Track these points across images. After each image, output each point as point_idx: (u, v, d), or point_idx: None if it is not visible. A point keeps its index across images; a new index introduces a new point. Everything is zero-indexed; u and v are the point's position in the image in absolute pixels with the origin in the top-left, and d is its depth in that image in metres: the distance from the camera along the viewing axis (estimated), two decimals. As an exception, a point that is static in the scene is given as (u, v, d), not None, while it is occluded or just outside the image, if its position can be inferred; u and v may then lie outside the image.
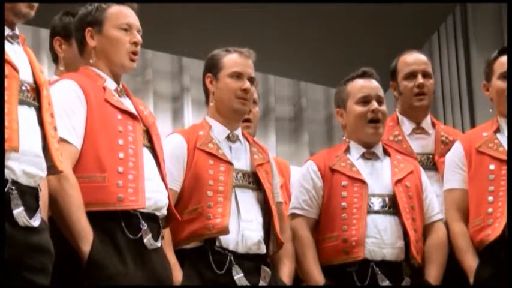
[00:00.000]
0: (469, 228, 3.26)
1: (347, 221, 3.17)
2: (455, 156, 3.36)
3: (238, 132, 3.17)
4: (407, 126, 3.65)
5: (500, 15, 6.21)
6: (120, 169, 2.62)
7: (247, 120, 3.48)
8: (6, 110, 2.18)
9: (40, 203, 2.33)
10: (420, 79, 3.61)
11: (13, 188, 2.22)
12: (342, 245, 3.15)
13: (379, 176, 3.27)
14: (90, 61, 2.80)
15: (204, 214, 2.93)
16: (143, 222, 2.65)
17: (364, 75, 3.35)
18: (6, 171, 2.20)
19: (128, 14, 2.82)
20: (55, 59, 3.20)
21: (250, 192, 3.08)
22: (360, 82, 3.34)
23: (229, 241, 2.95)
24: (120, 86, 2.82)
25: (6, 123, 2.17)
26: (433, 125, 3.68)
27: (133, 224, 2.63)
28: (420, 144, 3.61)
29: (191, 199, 2.97)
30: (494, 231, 3.14)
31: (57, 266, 2.42)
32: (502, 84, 3.32)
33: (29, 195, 2.28)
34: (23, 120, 2.25)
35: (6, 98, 2.20)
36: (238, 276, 2.93)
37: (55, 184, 2.52)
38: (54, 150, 2.36)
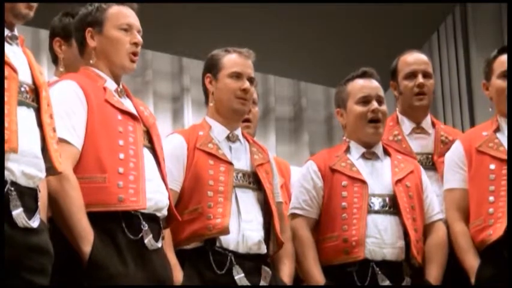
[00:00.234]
0: (469, 228, 3.26)
1: (347, 221, 3.17)
2: (455, 156, 3.35)
3: (238, 132, 3.17)
4: (407, 125, 3.65)
5: (500, 15, 6.21)
6: (121, 170, 2.62)
7: (247, 120, 3.48)
8: (5, 111, 2.18)
9: (39, 203, 2.33)
10: (420, 79, 3.61)
11: (12, 189, 2.22)
12: (343, 245, 3.15)
13: (380, 176, 3.27)
14: (91, 61, 2.79)
15: (204, 214, 2.93)
16: (144, 222, 2.65)
17: (364, 75, 3.36)
18: (5, 172, 2.20)
19: (128, 14, 2.82)
20: (55, 60, 3.19)
21: (250, 192, 3.08)
22: (360, 82, 3.34)
23: (229, 241, 2.95)
24: (121, 86, 2.82)
25: (5, 125, 2.17)
26: (433, 124, 3.68)
27: (134, 225, 2.63)
28: (420, 144, 3.61)
29: (191, 199, 2.97)
30: (496, 231, 3.14)
31: (57, 267, 2.43)
32: (502, 83, 3.31)
33: (28, 196, 2.28)
34: (22, 122, 2.25)
35: (5, 99, 2.19)
36: (239, 277, 2.93)
37: (56, 185, 2.52)
38: (53, 151, 2.35)
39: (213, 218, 2.92)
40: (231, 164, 3.03)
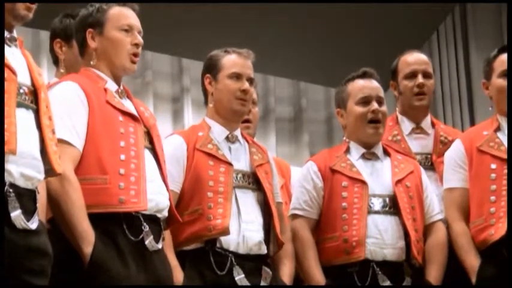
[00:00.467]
0: (470, 227, 3.26)
1: (348, 221, 3.17)
2: (455, 155, 3.35)
3: (238, 132, 3.17)
4: (406, 126, 3.65)
5: (499, 15, 6.21)
6: (122, 171, 2.62)
7: (247, 121, 3.48)
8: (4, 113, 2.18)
9: (38, 205, 2.32)
10: (420, 79, 3.61)
11: (11, 190, 2.22)
12: (343, 246, 3.15)
13: (380, 176, 3.27)
14: (91, 62, 2.79)
15: (204, 215, 2.93)
16: (145, 224, 2.65)
17: (364, 75, 3.35)
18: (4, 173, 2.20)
19: (129, 15, 2.81)
20: (55, 61, 3.19)
21: (250, 192, 3.08)
22: (360, 82, 3.34)
23: (230, 242, 2.95)
24: (121, 87, 2.82)
25: (4, 126, 2.17)
26: (433, 125, 3.68)
27: (134, 226, 2.63)
28: (419, 144, 3.61)
29: (191, 200, 2.97)
30: (498, 230, 3.14)
31: (59, 268, 2.43)
32: (503, 83, 3.31)
33: (27, 198, 2.28)
34: (21, 123, 2.24)
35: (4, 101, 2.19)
36: (239, 277, 2.93)
37: (57, 186, 2.52)
38: (52, 153, 2.35)
39: (213, 218, 2.92)
40: (230, 164, 3.03)
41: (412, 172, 3.32)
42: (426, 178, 3.38)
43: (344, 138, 3.38)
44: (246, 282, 2.93)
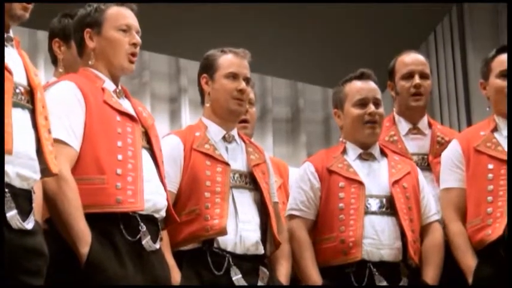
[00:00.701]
0: (466, 227, 3.26)
1: (344, 222, 3.17)
2: (452, 155, 3.35)
3: (234, 132, 3.17)
4: (403, 126, 3.65)
5: (496, 16, 6.21)
6: (119, 171, 2.61)
7: (245, 121, 3.49)
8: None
9: (34, 205, 2.32)
10: (417, 79, 3.61)
11: (6, 190, 2.21)
12: (340, 246, 3.15)
13: (377, 177, 3.27)
14: (89, 62, 2.79)
15: (201, 215, 2.93)
16: (142, 224, 2.64)
17: (362, 76, 3.35)
18: None
19: (127, 15, 2.81)
20: (54, 61, 3.19)
21: (247, 192, 3.08)
22: (357, 84, 3.33)
23: (227, 242, 2.95)
24: (119, 87, 2.81)
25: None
26: (430, 125, 3.68)
27: (132, 226, 2.63)
28: (416, 145, 3.61)
29: (189, 200, 2.97)
30: (495, 231, 3.14)
31: (56, 268, 2.43)
32: (501, 83, 3.32)
33: (23, 198, 2.28)
34: (17, 123, 2.24)
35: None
36: (237, 277, 2.93)
37: (54, 186, 2.52)
38: (48, 153, 2.35)
39: (211, 219, 2.92)
40: (227, 164, 3.03)
41: (409, 173, 3.32)
42: (423, 179, 3.38)
43: (341, 138, 3.38)
44: (243, 283, 2.93)
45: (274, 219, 3.08)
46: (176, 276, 2.86)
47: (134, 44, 2.79)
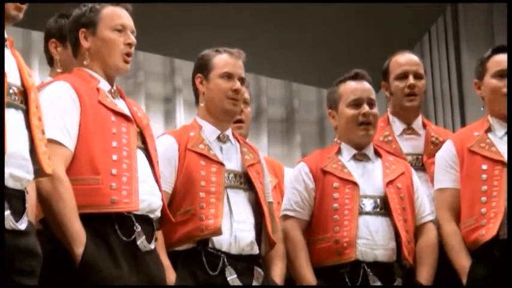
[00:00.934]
0: (460, 228, 3.27)
1: (339, 222, 3.17)
2: (446, 156, 3.36)
3: (229, 132, 3.17)
4: (397, 126, 3.65)
5: (490, 16, 6.22)
6: (114, 171, 2.61)
7: (240, 121, 3.49)
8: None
9: (27, 206, 2.32)
10: (411, 80, 3.61)
11: None
12: (334, 246, 3.16)
13: (371, 178, 3.28)
14: (84, 62, 2.78)
15: (196, 215, 2.93)
16: (137, 224, 2.64)
17: (356, 76, 3.36)
18: None
19: (122, 15, 2.81)
20: (50, 61, 3.19)
21: (241, 192, 3.08)
22: (351, 84, 3.34)
23: (222, 242, 2.95)
24: (114, 87, 2.81)
25: None
26: (424, 125, 3.69)
27: (126, 226, 2.63)
28: (410, 145, 3.62)
29: (183, 201, 2.97)
30: (489, 231, 3.15)
31: (50, 268, 2.43)
32: (496, 83, 3.32)
33: (16, 199, 2.27)
34: (10, 123, 2.24)
35: None
36: (232, 278, 2.93)
37: (48, 186, 2.51)
38: (41, 154, 2.35)
39: (206, 219, 2.92)
40: (222, 164, 3.03)
41: (403, 173, 3.33)
42: (417, 179, 3.39)
43: (335, 139, 3.39)
44: (238, 283, 2.93)
45: (269, 219, 3.08)
46: (171, 276, 2.86)
47: (129, 44, 2.79)
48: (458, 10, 6.36)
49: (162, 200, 2.78)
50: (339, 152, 3.33)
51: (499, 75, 3.33)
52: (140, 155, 2.74)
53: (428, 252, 3.27)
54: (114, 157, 2.63)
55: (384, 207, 3.22)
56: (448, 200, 3.32)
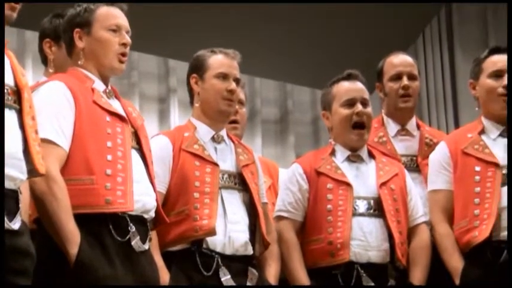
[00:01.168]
0: (454, 229, 3.28)
1: (332, 224, 3.17)
2: (440, 157, 3.37)
3: (223, 133, 3.17)
4: (392, 127, 3.66)
5: (484, 17, 6.24)
6: (109, 171, 2.61)
7: (235, 122, 3.49)
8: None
9: (20, 205, 2.31)
10: (405, 81, 3.62)
11: None
12: (328, 248, 3.16)
13: (364, 179, 3.28)
14: (79, 62, 2.78)
15: (191, 216, 2.93)
16: (131, 224, 2.64)
17: (349, 77, 3.36)
18: None
19: (117, 15, 2.80)
20: (44, 61, 3.19)
21: (236, 193, 3.08)
22: (345, 85, 3.34)
23: (216, 243, 2.95)
24: (109, 87, 2.81)
25: None
26: (418, 126, 3.69)
27: (121, 227, 2.62)
28: (404, 146, 3.62)
29: (178, 201, 2.97)
30: (482, 233, 3.15)
31: (45, 268, 2.43)
32: (492, 83, 3.33)
33: (9, 198, 2.26)
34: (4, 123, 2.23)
35: None
36: (226, 278, 2.93)
37: (43, 186, 2.51)
38: (35, 153, 2.34)
39: (200, 219, 2.92)
40: (216, 165, 3.03)
41: (397, 175, 3.33)
42: (410, 181, 3.39)
43: (330, 140, 3.39)
44: (232, 283, 2.93)
45: (263, 220, 3.08)
46: (165, 276, 2.85)
47: (124, 44, 2.78)
48: (453, 11, 6.37)
49: (157, 200, 2.78)
50: (332, 153, 3.33)
51: (495, 75, 3.34)
52: (135, 156, 2.73)
53: (421, 253, 3.28)
54: (109, 157, 2.63)
55: (377, 209, 3.23)
56: (441, 202, 3.33)
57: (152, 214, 2.76)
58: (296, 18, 5.95)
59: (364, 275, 3.14)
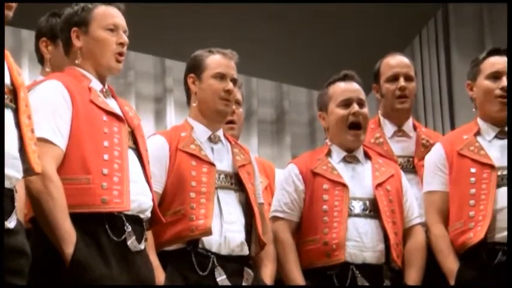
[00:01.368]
0: (449, 231, 3.28)
1: (328, 224, 3.17)
2: (436, 158, 3.37)
3: (220, 133, 3.17)
4: (388, 128, 3.66)
5: (481, 19, 6.25)
6: (105, 171, 2.60)
7: (232, 122, 3.49)
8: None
9: (16, 204, 2.31)
10: (402, 82, 3.62)
11: None
12: (323, 248, 3.16)
13: (360, 180, 3.28)
14: (76, 62, 2.78)
15: (187, 215, 2.93)
16: (127, 224, 2.64)
17: (345, 78, 3.37)
18: None
19: (115, 15, 2.80)
20: (40, 60, 3.18)
21: (232, 193, 3.08)
22: (341, 85, 3.35)
23: (212, 243, 2.95)
24: (106, 87, 2.80)
25: None
26: (415, 127, 3.70)
27: (117, 226, 2.62)
28: (401, 147, 3.63)
29: (174, 201, 2.96)
30: (477, 234, 3.16)
31: (40, 268, 2.43)
32: (490, 84, 3.33)
33: (5, 197, 2.25)
34: None
35: None
36: (221, 278, 2.93)
37: (39, 185, 2.50)
38: (31, 152, 2.34)
39: (196, 219, 2.92)
40: (213, 165, 3.03)
41: (393, 176, 3.34)
42: (406, 182, 3.40)
43: (326, 140, 3.39)
44: (227, 284, 2.93)
45: (259, 220, 3.08)
46: (160, 276, 2.85)
47: (121, 44, 2.78)
48: (449, 14, 6.38)
49: (153, 200, 2.78)
50: (329, 153, 3.33)
51: (492, 77, 3.34)
52: (131, 155, 2.73)
53: (416, 254, 3.28)
54: (106, 157, 2.62)
55: (373, 210, 3.23)
56: (436, 203, 3.33)
57: (148, 214, 2.76)
58: (293, 18, 5.96)
59: (360, 275, 3.14)
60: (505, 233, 3.15)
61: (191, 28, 5.72)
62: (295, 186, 3.28)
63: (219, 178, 3.04)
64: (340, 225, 3.16)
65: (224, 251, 2.97)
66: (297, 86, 6.81)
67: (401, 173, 3.41)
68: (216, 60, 3.12)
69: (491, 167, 3.24)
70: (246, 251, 3.03)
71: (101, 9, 2.79)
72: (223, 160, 3.11)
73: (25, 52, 5.32)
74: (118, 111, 2.76)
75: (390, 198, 3.27)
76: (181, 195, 2.96)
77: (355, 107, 3.29)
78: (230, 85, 3.10)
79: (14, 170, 2.29)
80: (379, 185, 3.26)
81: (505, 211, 3.17)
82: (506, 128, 3.33)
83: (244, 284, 2.98)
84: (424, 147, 3.59)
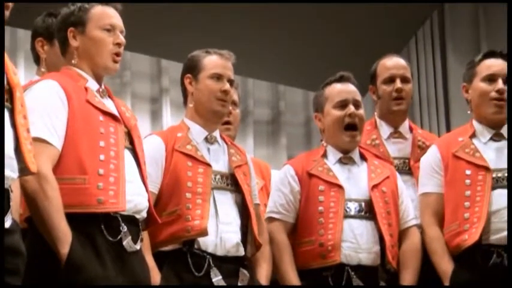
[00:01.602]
0: (444, 232, 3.28)
1: (324, 225, 3.18)
2: (431, 160, 3.38)
3: (216, 133, 3.17)
4: (385, 130, 3.66)
5: (476, 20, 6.26)
6: (101, 171, 2.60)
7: (228, 123, 3.49)
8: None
9: (11, 204, 2.30)
10: (398, 83, 3.63)
11: None
12: (319, 249, 3.16)
13: (356, 181, 3.29)
14: (73, 61, 2.77)
15: (182, 216, 2.93)
16: (123, 224, 2.63)
17: (341, 79, 3.37)
18: None
19: (112, 15, 2.80)
20: (36, 59, 3.18)
21: (228, 194, 3.08)
22: (337, 86, 3.35)
23: (208, 243, 2.95)
24: (102, 87, 2.80)
25: None
26: (411, 129, 3.70)
27: (113, 227, 2.62)
28: (397, 149, 3.63)
29: (170, 201, 2.96)
30: (471, 236, 3.17)
31: (36, 268, 2.43)
32: (485, 87, 3.34)
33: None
34: None
35: None
36: (217, 279, 2.93)
37: (35, 185, 2.50)
38: (26, 152, 2.33)
39: (192, 219, 2.92)
40: (209, 165, 3.03)
41: (388, 177, 3.34)
42: (402, 183, 3.40)
43: (322, 142, 3.39)
44: (223, 284, 2.93)
45: (255, 221, 3.08)
46: (156, 277, 2.85)
47: (118, 44, 2.78)
48: (445, 15, 6.39)
49: (149, 200, 2.78)
50: (324, 155, 3.33)
51: (488, 79, 3.35)
52: (127, 155, 2.73)
53: (412, 256, 3.29)
54: (102, 157, 2.62)
55: (368, 211, 3.23)
56: (432, 204, 3.34)
57: (144, 214, 2.76)
58: (289, 20, 5.96)
59: (355, 277, 3.14)
60: (500, 235, 3.16)
61: (187, 28, 5.72)
62: (290, 187, 3.28)
63: (215, 179, 3.04)
64: (335, 227, 3.16)
65: (220, 252, 2.97)
66: (293, 87, 6.81)
67: (397, 174, 3.42)
68: (213, 61, 3.12)
69: (487, 169, 3.25)
70: (241, 252, 3.03)
71: (98, 9, 2.79)
72: (219, 161, 3.11)
73: (21, 52, 5.31)
74: (114, 111, 2.76)
75: (386, 200, 3.27)
76: (177, 196, 2.96)
77: (351, 108, 3.29)
78: (227, 86, 3.10)
79: (9, 170, 2.28)
80: (374, 186, 3.27)
81: (500, 213, 3.18)
82: (501, 130, 3.34)
83: (239, 284, 2.98)
84: (420, 149, 3.60)
